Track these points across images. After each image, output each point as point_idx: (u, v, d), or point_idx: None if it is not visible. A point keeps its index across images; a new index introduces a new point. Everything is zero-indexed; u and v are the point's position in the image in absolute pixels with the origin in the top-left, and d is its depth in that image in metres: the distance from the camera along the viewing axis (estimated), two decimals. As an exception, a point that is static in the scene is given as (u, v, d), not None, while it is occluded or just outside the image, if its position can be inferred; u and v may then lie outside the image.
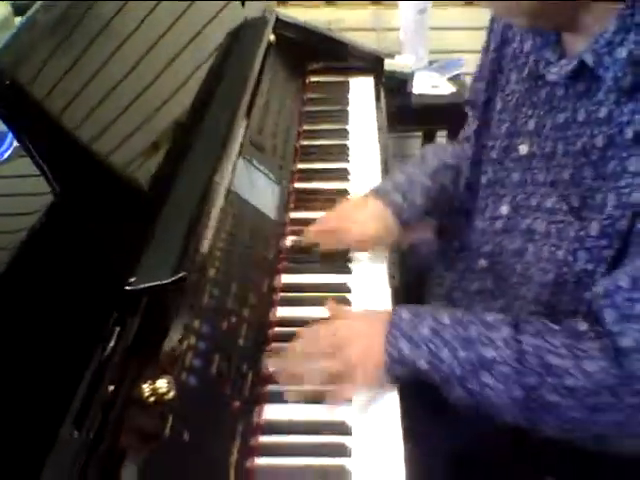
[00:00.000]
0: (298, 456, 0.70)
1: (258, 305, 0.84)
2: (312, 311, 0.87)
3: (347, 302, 0.90)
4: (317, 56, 1.51)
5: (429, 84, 1.90)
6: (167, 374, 0.60)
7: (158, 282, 0.61)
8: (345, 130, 1.31)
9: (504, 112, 0.90)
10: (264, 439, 0.71)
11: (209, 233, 0.75)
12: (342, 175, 1.17)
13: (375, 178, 1.16)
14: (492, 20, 0.95)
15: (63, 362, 0.59)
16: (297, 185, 1.14)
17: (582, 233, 0.78)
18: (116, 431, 0.56)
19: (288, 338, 0.80)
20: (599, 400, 0.72)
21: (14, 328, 0.59)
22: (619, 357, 0.72)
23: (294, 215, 1.06)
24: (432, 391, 0.79)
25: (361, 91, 1.46)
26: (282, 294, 0.91)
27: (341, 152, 1.24)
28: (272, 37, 1.35)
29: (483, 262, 0.93)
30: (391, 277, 0.97)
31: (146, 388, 0.59)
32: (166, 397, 0.59)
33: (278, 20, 1.41)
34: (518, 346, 0.75)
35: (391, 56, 1.90)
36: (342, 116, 1.36)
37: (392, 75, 1.89)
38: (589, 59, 0.74)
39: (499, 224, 0.90)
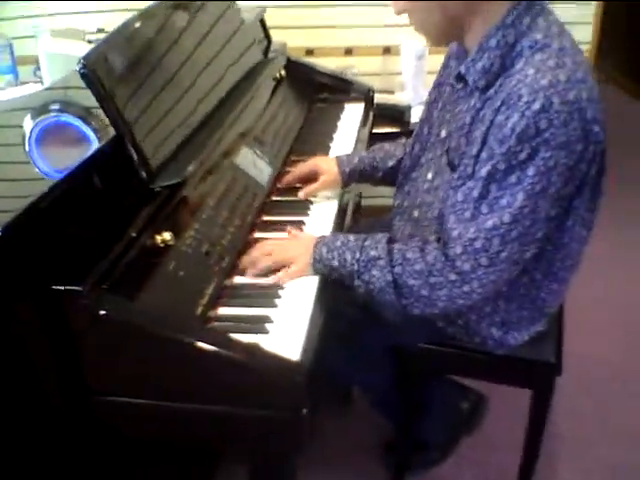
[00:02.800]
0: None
1: (241, 226, 1.33)
2: (277, 235, 1.37)
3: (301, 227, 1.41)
4: (323, 88, 2.05)
5: (423, 114, 2.38)
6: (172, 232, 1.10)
7: (168, 182, 1.12)
8: (331, 137, 1.81)
9: (441, 111, 1.34)
10: (229, 292, 1.20)
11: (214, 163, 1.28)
12: (321, 162, 1.67)
13: (344, 165, 1.65)
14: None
15: (117, 221, 1.09)
16: (288, 168, 1.64)
17: (450, 177, 1.23)
18: (139, 259, 1.06)
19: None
20: (435, 279, 1.17)
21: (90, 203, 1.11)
22: (447, 247, 1.16)
23: (279, 185, 1.57)
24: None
25: (352, 113, 1.97)
26: (260, 225, 1.40)
27: (325, 147, 1.74)
28: (283, 72, 1.88)
29: (416, 213, 1.36)
30: (336, 220, 1.45)
31: (158, 237, 1.09)
32: (169, 243, 1.09)
33: (290, 61, 1.95)
34: (390, 248, 1.21)
35: (391, 92, 2.41)
36: (332, 127, 1.87)
37: (394, 107, 2.39)
38: (462, 70, 1.20)
39: (426, 185, 1.34)
